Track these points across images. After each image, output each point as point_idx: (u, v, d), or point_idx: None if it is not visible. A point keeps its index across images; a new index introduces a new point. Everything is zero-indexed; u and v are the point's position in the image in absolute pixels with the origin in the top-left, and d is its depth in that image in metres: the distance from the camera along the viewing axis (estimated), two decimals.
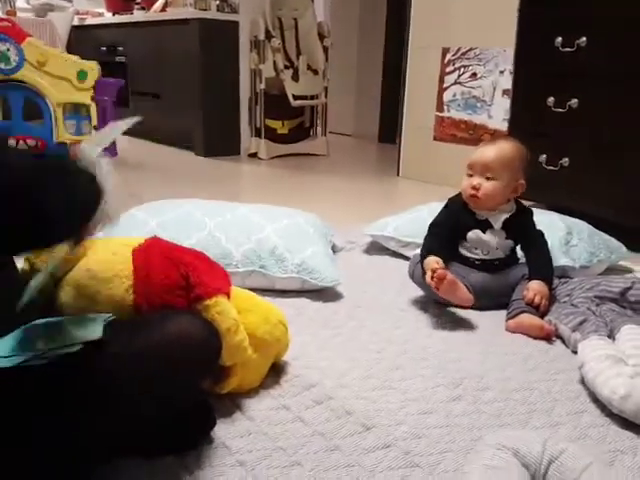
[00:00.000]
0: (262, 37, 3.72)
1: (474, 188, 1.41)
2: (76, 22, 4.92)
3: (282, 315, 1.13)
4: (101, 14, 4.85)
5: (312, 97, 3.95)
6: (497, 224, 1.44)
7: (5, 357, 0.67)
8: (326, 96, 4.07)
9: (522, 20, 2.26)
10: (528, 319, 1.33)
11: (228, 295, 1.01)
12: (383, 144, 4.82)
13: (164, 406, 0.83)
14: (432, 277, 1.31)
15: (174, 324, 0.83)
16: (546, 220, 1.73)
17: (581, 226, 1.77)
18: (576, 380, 1.14)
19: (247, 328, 1.03)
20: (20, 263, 0.92)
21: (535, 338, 1.32)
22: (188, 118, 3.92)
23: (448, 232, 1.46)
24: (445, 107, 3.15)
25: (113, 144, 3.52)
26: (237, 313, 1.01)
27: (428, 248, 1.43)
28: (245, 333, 1.01)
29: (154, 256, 0.98)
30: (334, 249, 1.88)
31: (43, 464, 0.71)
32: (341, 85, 5.42)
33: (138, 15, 4.35)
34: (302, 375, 1.12)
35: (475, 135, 3.03)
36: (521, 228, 1.47)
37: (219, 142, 3.88)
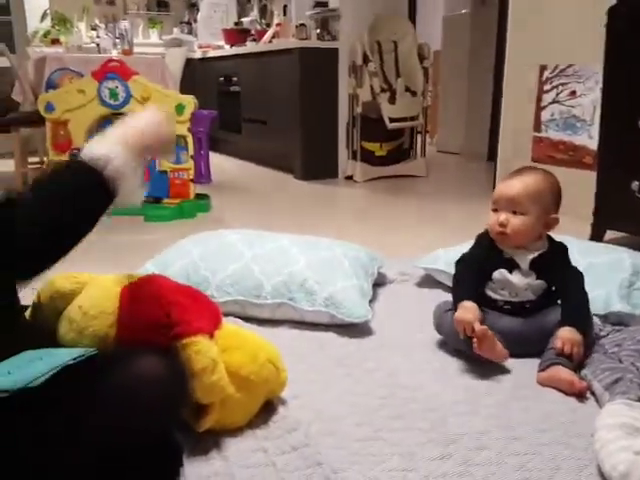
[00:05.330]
0: (359, 62, 3.76)
1: (501, 225, 1.31)
2: (199, 55, 5.35)
3: (275, 354, 1.13)
4: (220, 47, 5.22)
5: (411, 119, 3.91)
6: (524, 264, 1.31)
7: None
8: (425, 117, 4.00)
9: (610, 35, 2.05)
10: (559, 372, 1.19)
11: (211, 334, 1.04)
12: (491, 163, 4.60)
13: (121, 442, 0.87)
14: (471, 336, 1.24)
15: (134, 364, 0.87)
16: (611, 259, 1.55)
17: None
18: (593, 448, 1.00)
19: (230, 367, 1.04)
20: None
21: (567, 394, 1.18)
22: (289, 143, 4.07)
23: (477, 270, 1.35)
24: (543, 127, 2.94)
25: (208, 171, 3.75)
26: (220, 351, 1.04)
27: (461, 296, 1.32)
28: (224, 372, 1.02)
29: (141, 294, 1.03)
30: (384, 281, 1.84)
31: None
32: (452, 104, 5.29)
33: (250, 46, 4.61)
34: (292, 416, 1.11)
35: (575, 157, 2.79)
36: (553, 267, 1.32)
37: (317, 165, 3.97)
